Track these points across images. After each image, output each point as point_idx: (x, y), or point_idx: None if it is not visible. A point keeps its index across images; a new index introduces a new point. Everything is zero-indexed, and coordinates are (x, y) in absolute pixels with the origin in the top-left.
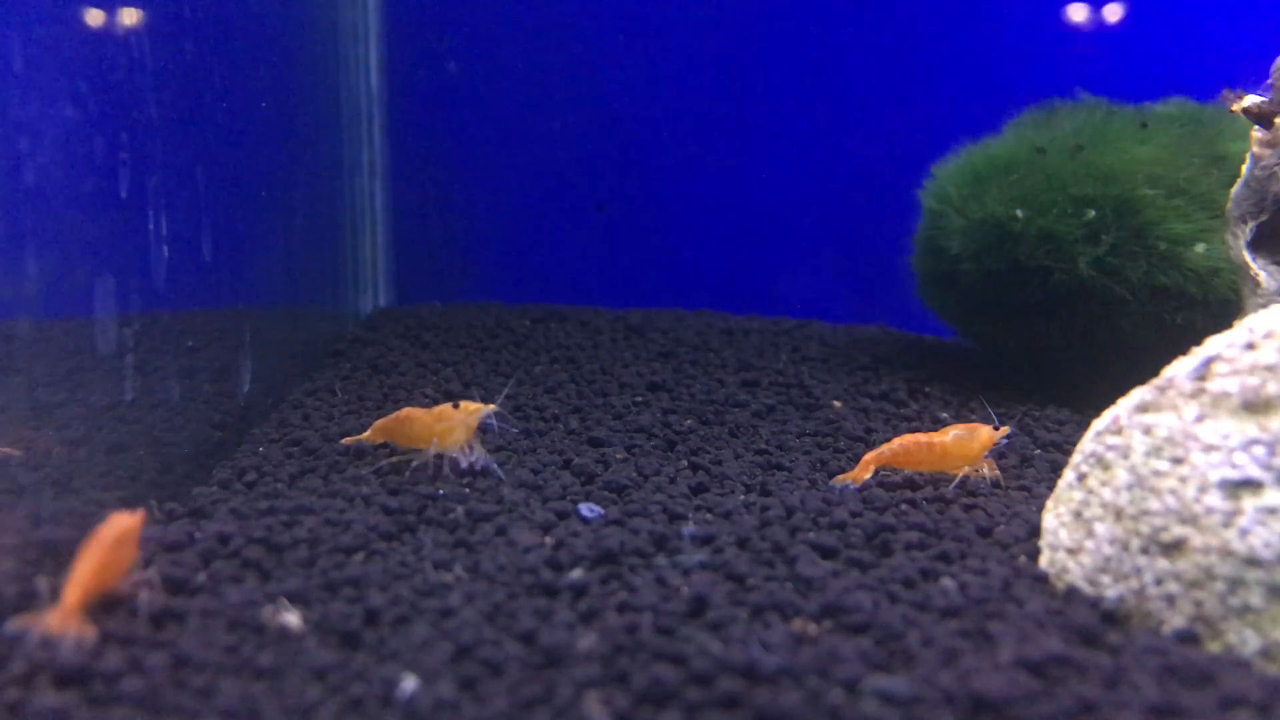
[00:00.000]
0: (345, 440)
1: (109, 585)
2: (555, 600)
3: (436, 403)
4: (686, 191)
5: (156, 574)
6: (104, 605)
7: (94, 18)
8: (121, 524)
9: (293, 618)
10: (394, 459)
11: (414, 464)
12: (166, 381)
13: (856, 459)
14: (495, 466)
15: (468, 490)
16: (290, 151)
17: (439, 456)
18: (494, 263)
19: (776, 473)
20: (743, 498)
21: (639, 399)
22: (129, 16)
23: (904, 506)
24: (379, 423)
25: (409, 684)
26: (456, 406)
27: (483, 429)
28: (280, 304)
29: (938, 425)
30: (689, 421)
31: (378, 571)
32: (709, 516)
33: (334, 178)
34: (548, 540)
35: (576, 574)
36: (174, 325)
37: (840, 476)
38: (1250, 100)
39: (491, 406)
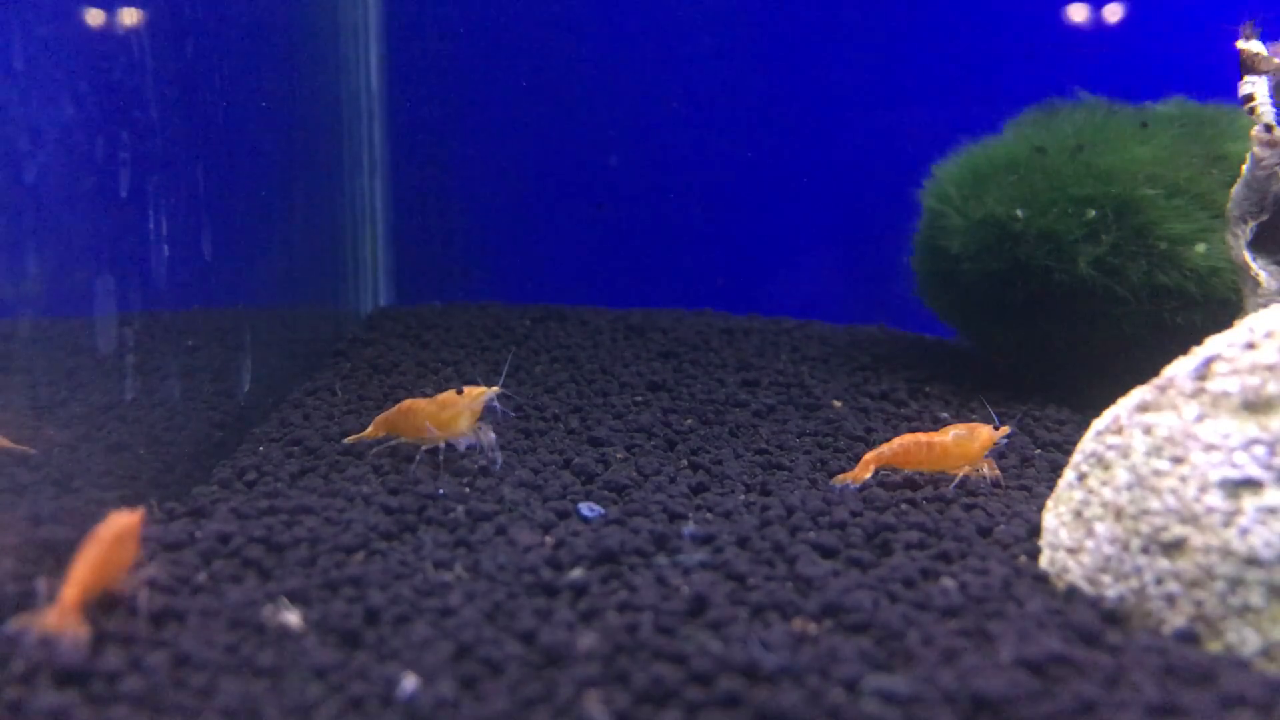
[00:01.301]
0: (348, 439)
1: (109, 584)
2: (555, 599)
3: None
4: (687, 191)
5: (159, 569)
6: (106, 604)
7: (95, 17)
8: (120, 522)
9: (293, 617)
10: (394, 459)
11: (421, 450)
12: (167, 381)
13: (856, 459)
14: (498, 455)
15: (468, 490)
16: (290, 151)
17: (447, 446)
18: (494, 262)
19: (777, 472)
20: (743, 497)
21: (639, 399)
22: (130, 15)
23: (904, 506)
24: (380, 417)
25: (409, 683)
26: (460, 392)
27: (489, 413)
28: (280, 303)
29: (938, 425)
30: (689, 421)
31: (378, 571)
32: (709, 516)
33: (334, 177)
34: (548, 540)
35: (577, 573)
36: (174, 324)
37: (840, 476)
38: (1254, 46)
39: (495, 389)
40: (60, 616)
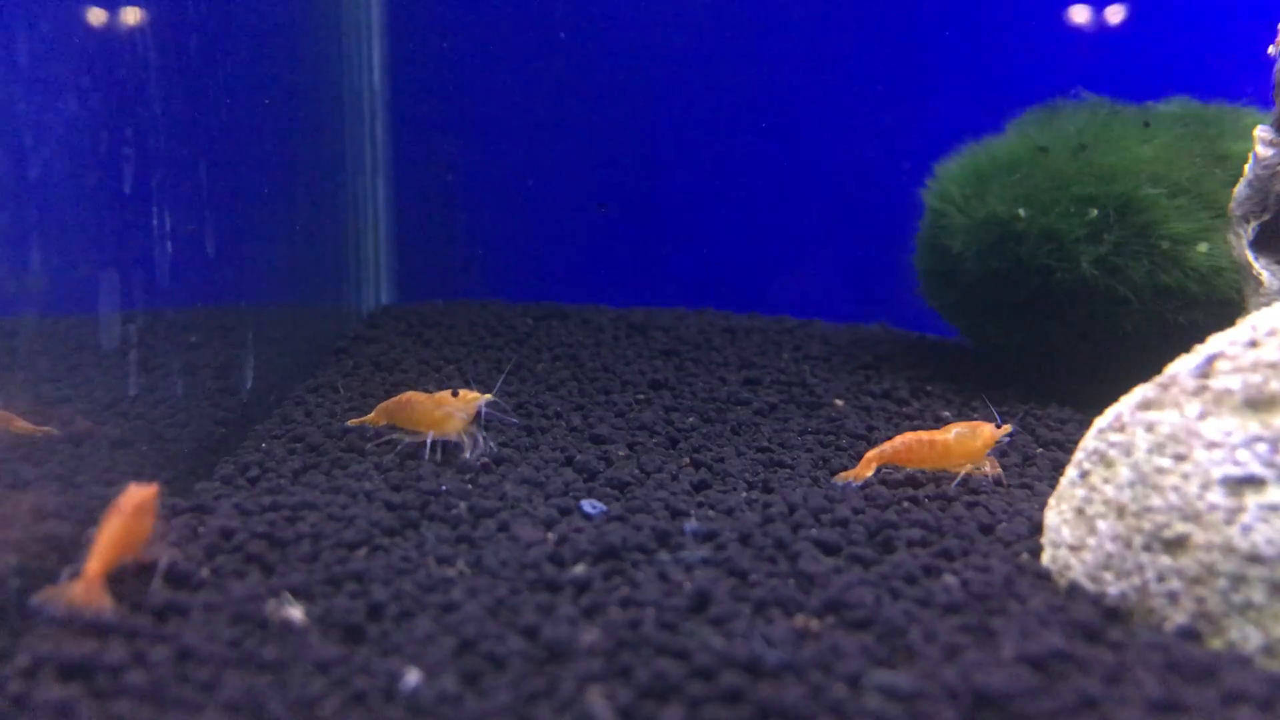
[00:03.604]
0: (351, 422)
1: (129, 554)
2: (558, 595)
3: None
4: (688, 190)
5: (175, 540)
6: (136, 573)
7: (98, 13)
8: (138, 494)
9: (296, 612)
10: (393, 454)
11: (403, 444)
12: (170, 377)
13: (858, 457)
14: (481, 456)
15: (470, 486)
16: (293, 149)
17: (437, 441)
18: (496, 260)
19: (779, 470)
20: (745, 495)
21: (641, 397)
22: (133, 12)
23: (906, 504)
24: (383, 404)
25: (412, 678)
26: (456, 395)
27: (487, 421)
28: (283, 301)
29: (939, 423)
30: (691, 419)
31: (381, 566)
32: (711, 513)
33: (336, 175)
34: (550, 536)
35: (579, 569)
36: (177, 321)
37: (842, 474)
38: None
39: (489, 396)
40: (85, 588)
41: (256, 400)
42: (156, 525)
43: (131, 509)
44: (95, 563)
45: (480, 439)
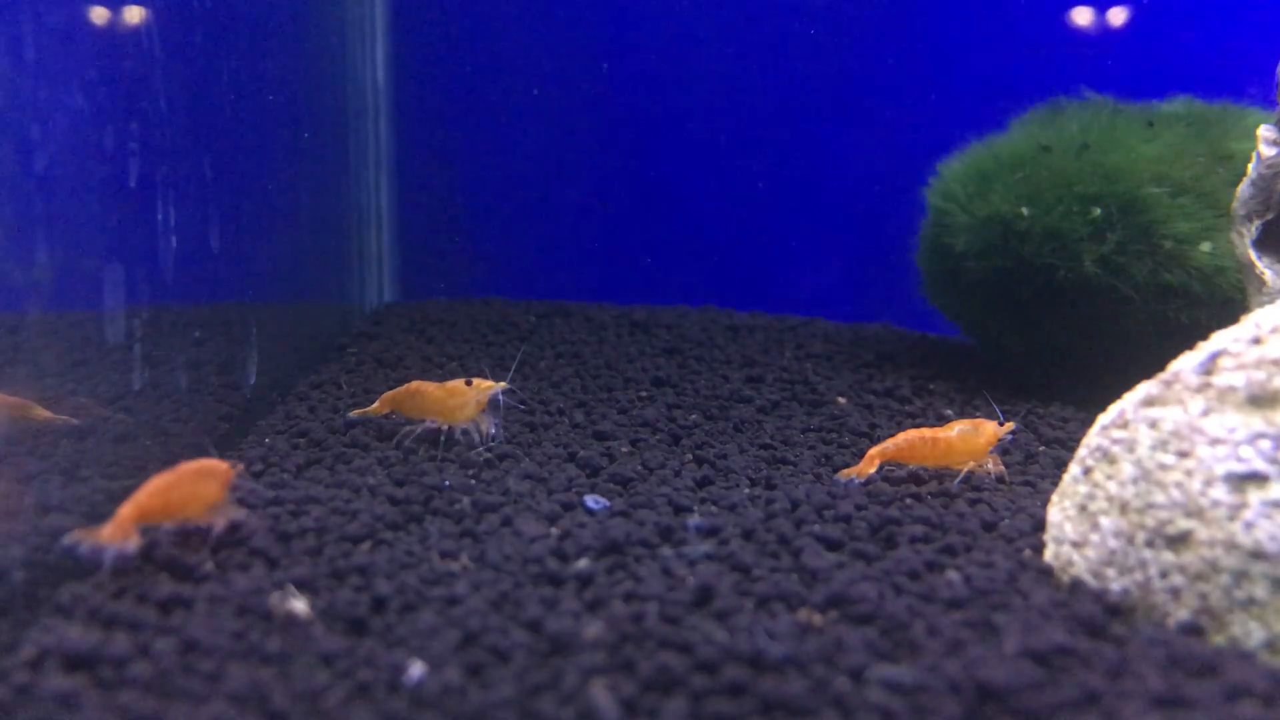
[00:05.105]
0: (354, 413)
1: (184, 514)
2: (561, 589)
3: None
4: (691, 188)
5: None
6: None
7: (104, 7)
8: (207, 463)
9: (300, 604)
10: (394, 448)
11: (407, 434)
12: (174, 372)
13: (861, 454)
14: (494, 444)
15: (474, 482)
16: (297, 145)
17: (448, 430)
18: (499, 258)
19: (781, 467)
20: (747, 491)
21: (644, 394)
22: (139, 7)
23: (909, 500)
24: (387, 394)
25: (416, 670)
26: (469, 383)
27: (496, 408)
28: (286, 297)
29: (942, 421)
30: (694, 416)
31: (384, 560)
32: (714, 509)
33: (340, 172)
34: (553, 531)
35: (582, 564)
36: (181, 317)
37: (845, 471)
38: None
39: (503, 384)
40: (113, 529)
41: (260, 396)
42: (224, 497)
43: (190, 471)
44: (129, 506)
45: (489, 430)
